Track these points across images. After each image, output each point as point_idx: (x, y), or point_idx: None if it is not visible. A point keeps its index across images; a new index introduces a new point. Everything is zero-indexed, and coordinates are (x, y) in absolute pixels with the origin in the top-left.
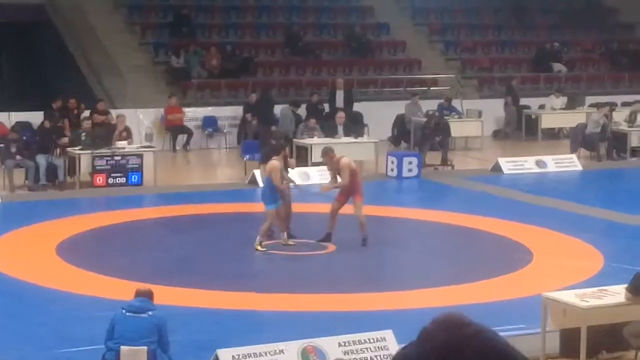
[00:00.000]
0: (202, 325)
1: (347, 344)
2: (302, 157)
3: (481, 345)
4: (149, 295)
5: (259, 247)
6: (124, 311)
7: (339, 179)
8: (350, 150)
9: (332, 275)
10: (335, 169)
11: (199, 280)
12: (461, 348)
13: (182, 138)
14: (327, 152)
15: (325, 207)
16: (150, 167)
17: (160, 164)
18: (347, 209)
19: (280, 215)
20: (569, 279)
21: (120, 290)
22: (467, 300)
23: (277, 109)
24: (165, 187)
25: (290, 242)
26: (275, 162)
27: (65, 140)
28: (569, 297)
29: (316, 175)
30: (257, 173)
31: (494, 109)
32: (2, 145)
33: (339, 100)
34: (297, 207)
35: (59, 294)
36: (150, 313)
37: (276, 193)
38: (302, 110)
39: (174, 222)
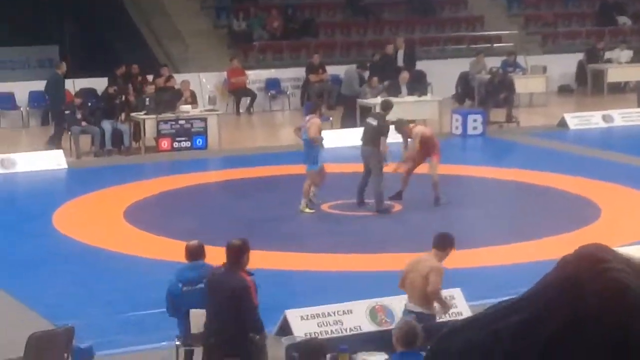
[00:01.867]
0: (269, 287)
1: None
2: (367, 117)
3: (604, 285)
4: (200, 251)
5: (306, 210)
6: (180, 285)
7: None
8: (414, 109)
9: (398, 234)
10: (410, 137)
11: (263, 242)
12: (582, 285)
13: (245, 101)
14: (402, 126)
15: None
16: (214, 130)
17: (224, 127)
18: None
19: (320, 177)
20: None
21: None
22: (533, 258)
23: (340, 70)
24: (230, 150)
25: (308, 209)
26: (314, 120)
27: (131, 98)
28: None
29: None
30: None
31: (559, 64)
32: (67, 111)
33: (401, 59)
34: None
35: (128, 258)
36: (204, 281)
37: (316, 153)
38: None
39: (238, 185)
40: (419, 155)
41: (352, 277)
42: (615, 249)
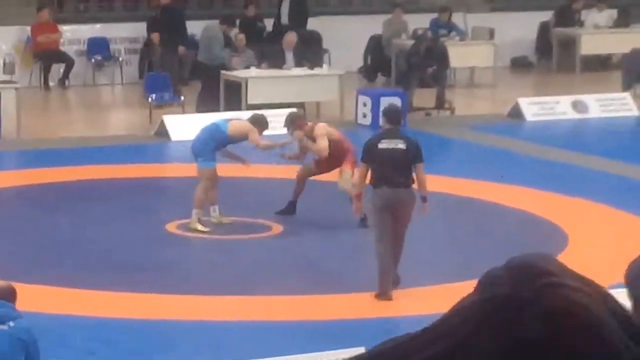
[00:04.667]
0: (88, 342)
1: None
2: (234, 97)
3: (553, 306)
4: (9, 294)
5: (198, 227)
6: None
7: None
8: (305, 86)
9: (277, 267)
10: (309, 140)
11: (82, 276)
12: (521, 305)
13: (57, 69)
14: (295, 120)
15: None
16: (11, 111)
17: (25, 108)
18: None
19: (215, 181)
20: (619, 273)
21: None
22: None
23: (196, 28)
24: (34, 140)
25: (225, 219)
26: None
27: None
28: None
29: None
30: (167, 120)
31: (513, 27)
32: None
33: (285, 15)
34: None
35: None
36: (11, 324)
37: (216, 149)
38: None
39: (46, 191)
40: (326, 163)
41: (208, 329)
42: None
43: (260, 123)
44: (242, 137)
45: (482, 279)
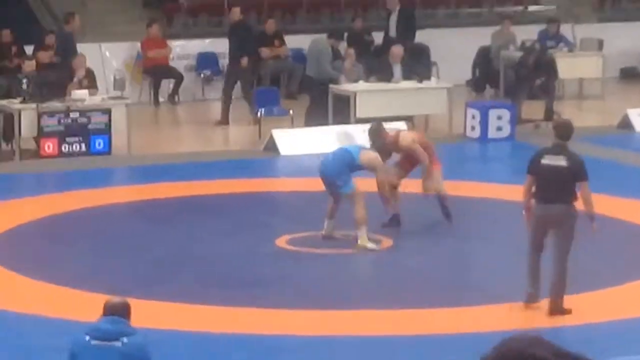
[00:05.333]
0: (200, 357)
1: None
2: (342, 111)
3: None
4: (124, 310)
5: (368, 245)
6: (88, 338)
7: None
8: (413, 99)
9: (388, 282)
10: (395, 150)
11: (194, 291)
12: None
13: (167, 84)
14: (378, 131)
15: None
16: (121, 127)
17: (136, 123)
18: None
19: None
20: None
21: (81, 306)
22: (580, 320)
23: (304, 42)
24: (143, 156)
25: (336, 233)
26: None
27: None
28: None
29: (361, 136)
30: (277, 135)
31: (622, 37)
32: None
33: (393, 28)
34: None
35: None
36: (125, 340)
37: (350, 172)
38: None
39: (155, 207)
40: (409, 163)
41: (317, 344)
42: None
43: (384, 152)
44: (371, 169)
45: None
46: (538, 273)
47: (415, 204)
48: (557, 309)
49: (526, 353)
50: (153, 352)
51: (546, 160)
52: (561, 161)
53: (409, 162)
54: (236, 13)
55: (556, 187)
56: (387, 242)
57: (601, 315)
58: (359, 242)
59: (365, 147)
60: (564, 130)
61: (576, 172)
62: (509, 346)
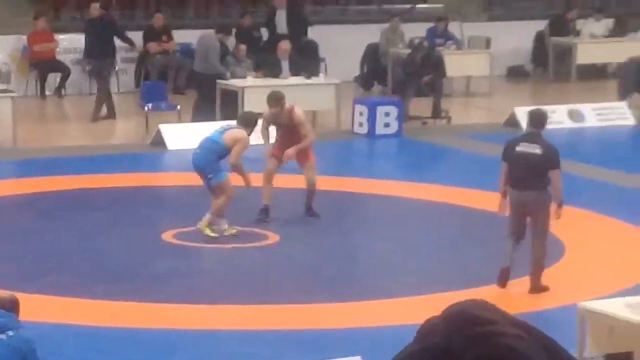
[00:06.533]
0: (87, 352)
1: None
2: (230, 106)
3: (489, 354)
4: (12, 304)
5: (207, 232)
6: None
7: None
8: (301, 95)
9: (275, 277)
10: (285, 122)
11: (79, 284)
12: (459, 356)
13: (54, 78)
14: (280, 99)
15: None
16: (7, 120)
17: (22, 117)
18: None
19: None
20: (615, 283)
21: None
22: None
23: (192, 37)
24: (30, 149)
25: (234, 230)
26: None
27: None
28: (617, 308)
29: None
30: (164, 129)
31: (509, 36)
32: None
33: (282, 24)
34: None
35: None
36: (10, 334)
37: (219, 160)
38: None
39: (41, 201)
40: (282, 145)
41: (209, 338)
42: (585, 304)
43: (249, 122)
44: (235, 144)
45: (421, 328)
46: (514, 259)
47: (297, 198)
48: (536, 288)
49: (469, 314)
50: (38, 345)
51: (521, 148)
52: (536, 149)
53: (289, 139)
54: (95, 8)
55: (530, 174)
56: (274, 237)
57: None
58: (200, 224)
59: (229, 126)
60: (538, 119)
61: (549, 160)
62: (453, 309)
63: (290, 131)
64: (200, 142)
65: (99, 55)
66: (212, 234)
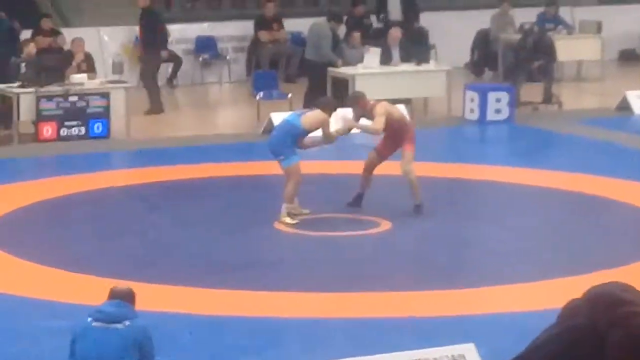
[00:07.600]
0: (199, 340)
1: None
2: (341, 94)
3: (630, 334)
4: (128, 297)
5: (287, 220)
6: (90, 320)
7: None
8: (412, 82)
9: (387, 265)
10: (372, 119)
11: (191, 274)
12: (600, 334)
13: (165, 68)
14: (358, 99)
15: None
16: (120, 111)
17: (134, 107)
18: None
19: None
20: None
21: (80, 289)
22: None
23: (303, 26)
24: (142, 140)
25: (305, 210)
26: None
27: None
28: None
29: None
30: (275, 118)
31: (621, 19)
32: None
33: (396, 11)
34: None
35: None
36: (127, 323)
37: (294, 144)
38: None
39: (155, 190)
40: (387, 144)
41: (317, 327)
42: None
43: (328, 106)
44: (318, 127)
45: (563, 310)
46: None
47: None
48: None
49: (613, 295)
50: (154, 334)
51: None
52: None
53: (392, 135)
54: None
55: None
56: (386, 224)
57: None
58: (280, 217)
59: (306, 111)
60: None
61: None
62: (597, 290)
63: (389, 127)
64: (277, 125)
65: (145, 46)
66: (292, 221)
